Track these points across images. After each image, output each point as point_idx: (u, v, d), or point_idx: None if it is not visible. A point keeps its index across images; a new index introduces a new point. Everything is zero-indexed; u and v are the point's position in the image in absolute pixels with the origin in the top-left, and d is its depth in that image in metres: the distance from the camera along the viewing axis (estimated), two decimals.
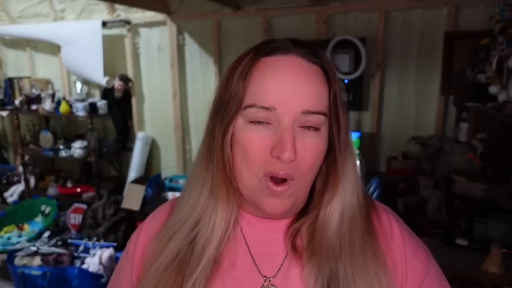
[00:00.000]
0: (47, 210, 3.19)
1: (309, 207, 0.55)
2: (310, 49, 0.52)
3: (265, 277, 0.54)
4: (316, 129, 0.50)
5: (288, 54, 0.51)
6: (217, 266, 0.53)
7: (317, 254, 0.51)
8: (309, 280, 0.50)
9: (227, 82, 0.52)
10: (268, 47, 0.52)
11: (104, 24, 3.21)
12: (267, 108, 0.49)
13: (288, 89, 0.49)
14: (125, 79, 3.28)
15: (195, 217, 0.54)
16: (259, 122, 0.50)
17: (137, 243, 0.60)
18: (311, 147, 0.50)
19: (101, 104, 3.32)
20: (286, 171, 0.49)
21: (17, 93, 3.70)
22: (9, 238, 2.93)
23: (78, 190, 3.55)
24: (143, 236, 0.61)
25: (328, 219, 0.52)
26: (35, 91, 3.57)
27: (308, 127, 0.50)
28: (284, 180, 0.50)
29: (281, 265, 0.54)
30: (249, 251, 0.55)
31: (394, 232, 0.55)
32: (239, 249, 0.55)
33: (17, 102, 3.58)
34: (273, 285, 0.53)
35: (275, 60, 0.51)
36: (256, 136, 0.50)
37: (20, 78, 3.74)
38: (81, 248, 2.52)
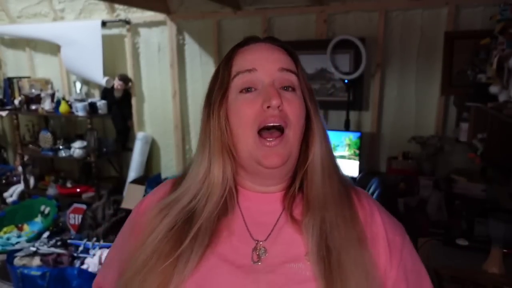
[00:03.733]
0: (47, 210, 3.19)
1: (296, 174, 0.64)
2: (273, 38, 0.67)
3: (257, 240, 0.61)
4: (293, 89, 0.61)
5: (258, 42, 0.66)
6: (216, 235, 0.60)
7: (310, 207, 0.60)
8: (307, 231, 0.59)
9: (215, 77, 0.65)
10: (242, 42, 0.66)
11: (104, 24, 3.21)
12: (249, 70, 0.61)
13: (263, 56, 0.62)
14: (125, 79, 3.28)
15: (192, 191, 0.62)
16: (247, 91, 0.60)
17: (138, 211, 0.69)
18: (293, 101, 0.60)
19: (101, 104, 3.31)
20: (277, 118, 0.58)
21: (16, 93, 3.70)
22: (8, 239, 2.92)
23: (78, 190, 3.55)
24: (145, 205, 0.68)
25: (313, 173, 0.62)
26: (34, 91, 3.57)
27: (287, 88, 0.61)
28: (277, 131, 0.59)
29: (272, 230, 0.61)
30: (244, 220, 0.63)
31: (373, 211, 0.64)
32: (236, 220, 0.62)
33: (16, 102, 3.57)
34: (263, 247, 0.60)
35: (249, 46, 0.65)
36: (247, 101, 0.60)
37: (19, 78, 3.73)
38: (80, 248, 2.52)
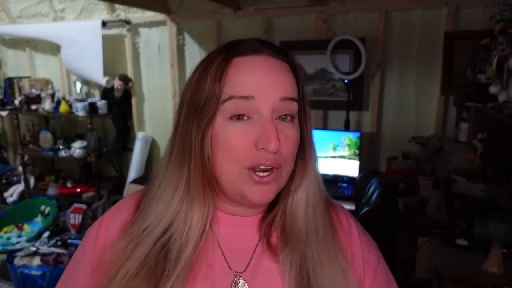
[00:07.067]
0: (47, 210, 3.18)
1: (278, 198, 0.57)
2: (277, 48, 0.55)
3: (235, 272, 0.56)
4: (292, 118, 0.53)
5: (259, 54, 0.53)
6: (194, 269, 0.54)
7: (289, 241, 0.55)
8: (285, 266, 0.54)
9: (199, 84, 0.53)
10: (239, 48, 0.53)
11: (104, 24, 3.21)
12: (245, 98, 0.50)
13: (264, 80, 0.51)
14: (125, 79, 3.28)
15: (166, 222, 0.54)
16: (238, 118, 0.51)
17: (97, 240, 0.58)
18: (291, 136, 0.53)
19: (101, 104, 3.31)
20: (272, 161, 0.50)
21: (16, 93, 3.70)
22: (8, 238, 2.92)
23: (78, 190, 3.55)
24: (103, 233, 0.58)
25: (296, 205, 0.56)
26: (34, 91, 3.57)
27: (285, 117, 0.53)
28: (270, 170, 0.51)
29: (250, 259, 0.56)
30: (220, 247, 0.57)
31: (352, 229, 0.62)
32: (211, 247, 0.56)
33: (16, 102, 3.57)
34: (243, 279, 0.55)
35: (248, 59, 0.52)
36: (238, 132, 0.51)
37: (20, 78, 3.73)
38: None
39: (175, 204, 0.53)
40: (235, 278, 0.55)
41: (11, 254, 2.40)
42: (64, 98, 3.51)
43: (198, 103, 0.52)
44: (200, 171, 0.52)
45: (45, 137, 3.55)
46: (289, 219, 0.56)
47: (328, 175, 2.58)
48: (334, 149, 2.56)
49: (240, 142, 0.50)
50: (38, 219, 3.21)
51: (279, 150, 0.50)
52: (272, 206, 0.58)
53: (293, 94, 0.53)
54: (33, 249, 2.46)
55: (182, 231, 0.53)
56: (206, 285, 0.54)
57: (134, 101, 3.41)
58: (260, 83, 0.51)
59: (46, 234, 2.90)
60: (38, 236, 2.88)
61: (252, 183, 0.51)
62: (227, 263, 0.56)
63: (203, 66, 0.54)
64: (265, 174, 0.51)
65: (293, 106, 0.53)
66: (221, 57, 0.53)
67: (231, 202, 0.57)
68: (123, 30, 3.33)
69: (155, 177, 0.58)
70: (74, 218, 3.03)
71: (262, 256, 0.56)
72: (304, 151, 0.56)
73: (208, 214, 0.54)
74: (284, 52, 0.56)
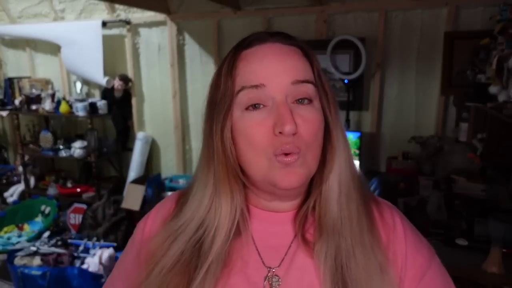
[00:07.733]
0: (47, 210, 3.19)
1: (310, 190, 0.57)
2: (284, 34, 0.56)
3: (269, 268, 0.55)
4: (310, 101, 0.53)
5: (265, 42, 0.54)
6: (229, 266, 0.55)
7: (324, 231, 0.54)
8: (320, 258, 0.53)
9: (216, 83, 0.55)
10: (245, 41, 0.55)
11: (104, 24, 3.21)
12: (256, 86, 0.51)
13: (273, 66, 0.52)
14: (125, 79, 3.28)
15: (198, 219, 0.56)
16: (254, 108, 0.51)
17: (144, 231, 0.63)
18: (310, 118, 0.52)
19: (101, 104, 3.32)
20: (291, 144, 0.50)
21: (17, 93, 3.70)
22: (9, 238, 2.93)
23: (78, 190, 3.55)
24: (150, 224, 0.63)
25: (329, 193, 0.54)
26: (35, 91, 3.57)
27: (302, 101, 0.52)
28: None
29: (285, 255, 0.56)
30: (254, 243, 0.57)
31: (396, 226, 0.57)
32: (245, 243, 0.56)
33: (17, 102, 3.57)
34: (276, 275, 0.55)
35: (255, 49, 0.54)
36: (255, 121, 0.51)
37: (20, 78, 3.74)
38: (81, 248, 2.52)
39: (206, 201, 0.55)
40: (269, 274, 0.55)
41: (12, 254, 2.40)
42: (64, 98, 3.51)
43: (215, 100, 0.54)
44: (224, 164, 0.53)
45: (45, 137, 3.56)
46: (324, 209, 0.54)
47: None
48: None
49: (259, 131, 0.51)
50: (38, 219, 3.22)
51: (297, 133, 0.50)
52: (306, 197, 0.58)
53: (306, 76, 0.53)
54: (33, 249, 2.46)
55: (212, 226, 0.54)
56: (241, 278, 0.55)
57: (134, 101, 3.41)
58: (269, 70, 0.51)
59: (46, 234, 2.90)
60: (38, 236, 2.89)
61: (279, 167, 0.51)
62: (261, 259, 0.56)
63: (218, 68, 0.56)
64: (288, 157, 0.51)
65: (308, 88, 0.52)
66: (231, 53, 0.55)
67: (264, 196, 0.57)
68: (123, 30, 3.34)
69: (193, 178, 0.61)
70: (74, 218, 3.04)
71: (297, 251, 0.56)
72: (331, 135, 0.55)
73: (237, 207, 0.55)
74: (291, 36, 0.56)
